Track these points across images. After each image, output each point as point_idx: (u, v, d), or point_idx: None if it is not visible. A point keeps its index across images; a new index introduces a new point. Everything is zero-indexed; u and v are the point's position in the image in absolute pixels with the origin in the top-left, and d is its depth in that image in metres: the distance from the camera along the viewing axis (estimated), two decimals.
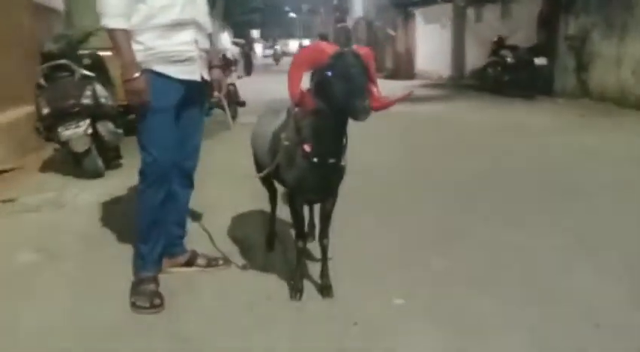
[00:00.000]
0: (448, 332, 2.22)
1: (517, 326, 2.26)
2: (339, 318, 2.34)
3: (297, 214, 2.45)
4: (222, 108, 2.84)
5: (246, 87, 13.61)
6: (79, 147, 4.57)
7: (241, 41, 26.21)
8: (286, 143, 2.27)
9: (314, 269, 2.71)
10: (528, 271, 2.78)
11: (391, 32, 18.78)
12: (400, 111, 9.75)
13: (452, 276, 2.74)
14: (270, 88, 14.41)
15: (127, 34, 2.32)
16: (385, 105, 2.17)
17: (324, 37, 29.55)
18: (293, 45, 48.77)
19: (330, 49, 2.04)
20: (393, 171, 5.05)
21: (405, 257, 2.99)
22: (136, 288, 2.50)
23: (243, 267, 2.82)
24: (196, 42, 2.47)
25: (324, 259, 2.53)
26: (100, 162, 4.84)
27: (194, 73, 2.48)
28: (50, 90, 4.61)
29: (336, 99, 2.01)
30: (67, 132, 4.51)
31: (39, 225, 3.67)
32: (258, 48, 44.27)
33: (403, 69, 17.85)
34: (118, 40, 2.30)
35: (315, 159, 2.20)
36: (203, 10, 2.56)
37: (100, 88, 4.74)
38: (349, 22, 23.39)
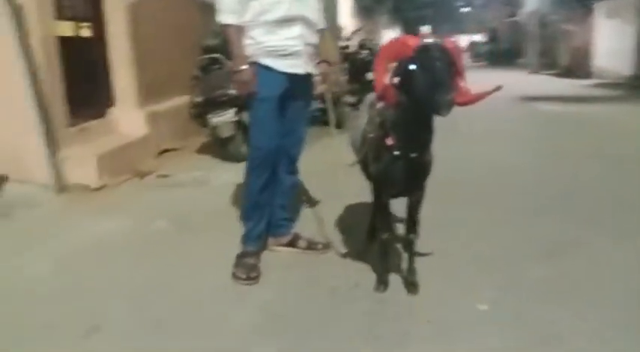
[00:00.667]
0: (522, 345, 2.11)
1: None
2: (415, 315, 2.34)
3: (382, 206, 2.50)
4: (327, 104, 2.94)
5: None
6: (225, 132, 5.08)
7: None
8: (370, 135, 2.33)
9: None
10: (633, 291, 2.50)
11: (567, 27, 17.28)
12: (563, 111, 9.04)
13: (548, 289, 2.56)
14: None
15: (239, 29, 2.56)
16: (471, 99, 2.12)
17: (494, 33, 28.23)
18: (463, 41, 47.33)
19: (414, 42, 2.05)
20: (518, 173, 4.76)
21: (503, 262, 2.85)
22: (238, 260, 2.76)
23: (341, 254, 2.94)
24: (303, 37, 2.63)
25: (411, 254, 2.55)
26: (243, 148, 5.29)
27: (299, 66, 2.65)
28: (204, 80, 5.20)
29: (418, 92, 2.02)
30: (215, 119, 5.04)
31: (180, 198, 4.18)
32: None
33: (578, 66, 16.33)
34: (230, 34, 2.56)
35: (397, 153, 2.22)
36: (313, 7, 2.71)
37: None
38: (521, 16, 22.01)
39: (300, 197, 3.86)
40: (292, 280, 2.69)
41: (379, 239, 2.59)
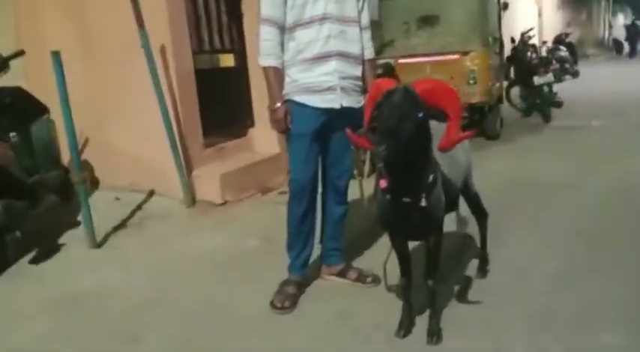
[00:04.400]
0: None
1: None
2: None
3: (396, 250, 2.41)
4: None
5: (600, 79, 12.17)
6: None
7: (628, 24, 24.95)
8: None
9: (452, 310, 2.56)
10: None
11: None
12: None
13: None
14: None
15: (277, 70, 2.68)
16: (453, 142, 2.02)
17: None
18: None
19: (386, 85, 1.95)
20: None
21: (564, 323, 2.47)
22: (280, 287, 2.87)
23: (388, 288, 2.85)
24: (338, 71, 2.66)
25: (431, 302, 2.39)
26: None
27: (333, 101, 2.68)
28: None
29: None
30: None
31: (281, 216, 4.40)
32: None
33: None
34: (268, 75, 2.70)
35: (389, 196, 2.12)
36: (352, 39, 2.71)
37: None
38: None
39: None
40: (322, 315, 2.69)
41: (400, 283, 2.47)
